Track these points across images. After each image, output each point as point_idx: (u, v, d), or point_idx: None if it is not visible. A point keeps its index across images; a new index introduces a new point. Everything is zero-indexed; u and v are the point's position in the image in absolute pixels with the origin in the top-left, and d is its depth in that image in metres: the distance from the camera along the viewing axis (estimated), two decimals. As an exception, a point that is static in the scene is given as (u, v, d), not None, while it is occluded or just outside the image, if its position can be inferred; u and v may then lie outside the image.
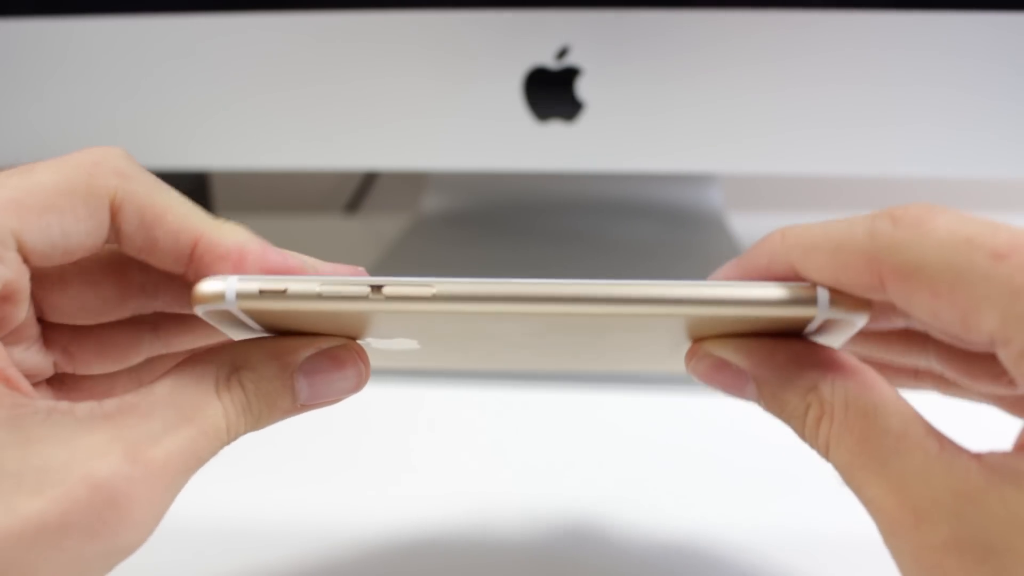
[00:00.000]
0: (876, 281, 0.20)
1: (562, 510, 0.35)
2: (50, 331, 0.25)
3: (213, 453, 0.22)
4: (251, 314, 0.22)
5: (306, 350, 0.24)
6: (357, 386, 0.25)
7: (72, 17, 0.46)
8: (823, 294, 0.21)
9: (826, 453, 0.21)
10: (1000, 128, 0.45)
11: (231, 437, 0.23)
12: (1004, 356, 0.19)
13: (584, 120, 0.46)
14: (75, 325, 0.26)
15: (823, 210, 0.66)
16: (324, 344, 0.24)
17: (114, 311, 0.26)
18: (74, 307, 0.25)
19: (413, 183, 0.66)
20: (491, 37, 0.45)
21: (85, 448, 0.20)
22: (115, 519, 0.20)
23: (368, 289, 0.21)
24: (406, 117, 0.47)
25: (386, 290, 0.21)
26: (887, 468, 0.20)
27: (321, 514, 0.35)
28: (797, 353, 0.23)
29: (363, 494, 0.36)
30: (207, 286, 0.22)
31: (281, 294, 0.22)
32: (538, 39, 0.45)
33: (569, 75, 0.45)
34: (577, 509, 0.35)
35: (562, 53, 0.45)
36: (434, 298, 0.21)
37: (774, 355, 0.23)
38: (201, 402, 0.22)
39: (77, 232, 0.22)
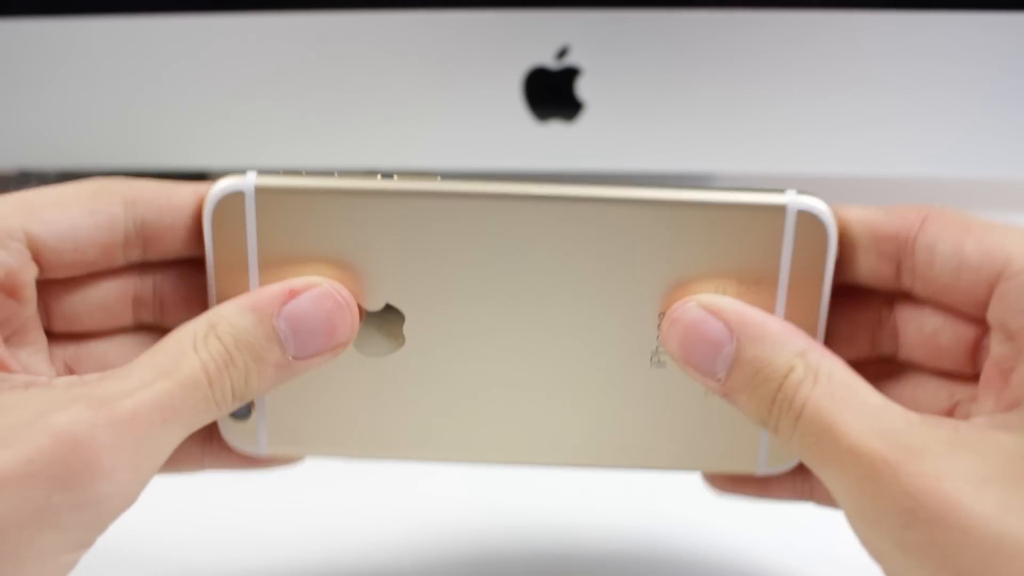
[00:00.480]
0: (918, 219, 0.23)
1: (565, 511, 0.35)
2: (52, 346, 0.26)
3: (196, 408, 0.22)
4: (261, 210, 0.24)
5: (280, 296, 0.24)
6: (344, 325, 0.24)
7: (72, 17, 0.46)
8: (791, 192, 0.24)
9: (797, 415, 0.22)
10: (1000, 128, 0.45)
11: (217, 393, 0.23)
12: (1006, 289, 0.22)
13: (584, 120, 0.46)
14: (77, 342, 0.26)
15: (823, 210, 0.66)
16: (298, 283, 0.24)
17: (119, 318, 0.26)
18: (81, 311, 0.25)
19: (413, 183, 0.66)
20: (491, 37, 0.45)
21: (52, 405, 0.21)
22: (80, 465, 0.20)
23: (379, 175, 0.24)
24: (406, 117, 0.46)
25: (396, 177, 0.24)
26: (870, 425, 0.21)
27: (322, 514, 0.35)
28: (788, 325, 0.23)
29: (365, 493, 0.36)
30: (228, 177, 0.24)
31: (298, 174, 0.24)
32: (538, 39, 0.45)
33: (569, 75, 0.45)
34: (580, 510, 0.35)
35: (562, 53, 0.45)
36: (439, 191, 0.24)
37: (767, 321, 0.23)
38: (177, 358, 0.22)
39: (86, 225, 0.24)
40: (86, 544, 0.22)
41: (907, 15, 0.43)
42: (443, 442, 0.26)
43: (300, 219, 0.24)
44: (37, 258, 0.23)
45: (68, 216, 0.23)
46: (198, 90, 0.47)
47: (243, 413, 0.26)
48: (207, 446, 0.27)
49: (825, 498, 0.26)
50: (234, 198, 0.24)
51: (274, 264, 0.25)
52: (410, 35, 0.45)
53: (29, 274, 0.23)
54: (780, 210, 0.24)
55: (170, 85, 0.47)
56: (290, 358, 0.24)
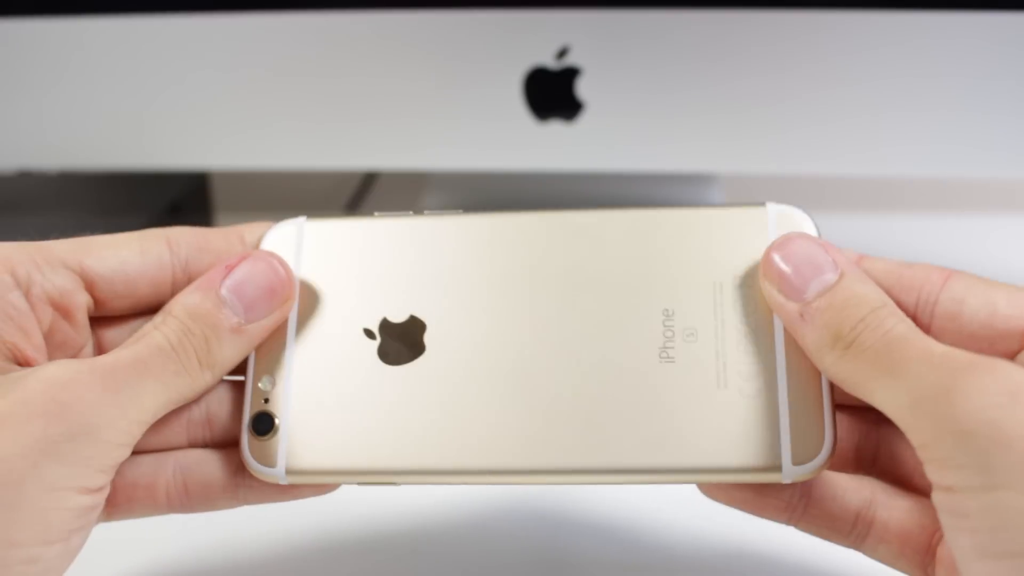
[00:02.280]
0: (942, 276, 0.25)
1: (563, 506, 0.35)
2: None
3: (166, 368, 0.25)
4: (308, 240, 0.29)
5: (219, 272, 0.27)
6: (280, 283, 0.27)
7: (72, 17, 0.46)
8: (771, 203, 0.27)
9: (884, 333, 0.23)
10: (1000, 128, 0.45)
11: (183, 357, 0.26)
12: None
13: (584, 120, 0.46)
14: None
15: (823, 210, 0.66)
16: (233, 258, 0.27)
17: None
18: None
19: (413, 183, 0.66)
20: (491, 37, 0.45)
21: (48, 365, 0.24)
22: (70, 399, 0.23)
23: (411, 212, 0.29)
24: (406, 117, 0.47)
25: (425, 212, 0.28)
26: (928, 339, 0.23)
27: (320, 509, 0.35)
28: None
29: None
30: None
31: (340, 216, 0.29)
32: (538, 39, 0.45)
33: (569, 75, 0.45)
34: (580, 504, 0.35)
35: (562, 53, 0.45)
36: (461, 222, 0.28)
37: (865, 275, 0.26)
38: (143, 335, 0.26)
39: (135, 262, 0.27)
40: (90, 484, 0.24)
41: (908, 15, 0.43)
42: (455, 449, 0.27)
43: (339, 246, 0.29)
44: (91, 289, 0.27)
45: (119, 253, 0.27)
46: (198, 90, 0.47)
47: (265, 429, 0.27)
48: (240, 477, 0.28)
49: (814, 524, 0.27)
50: (289, 230, 0.29)
51: (312, 284, 0.28)
52: (410, 35, 0.45)
53: (82, 299, 0.27)
54: (762, 212, 0.27)
55: (170, 85, 0.47)
56: (242, 321, 0.27)
